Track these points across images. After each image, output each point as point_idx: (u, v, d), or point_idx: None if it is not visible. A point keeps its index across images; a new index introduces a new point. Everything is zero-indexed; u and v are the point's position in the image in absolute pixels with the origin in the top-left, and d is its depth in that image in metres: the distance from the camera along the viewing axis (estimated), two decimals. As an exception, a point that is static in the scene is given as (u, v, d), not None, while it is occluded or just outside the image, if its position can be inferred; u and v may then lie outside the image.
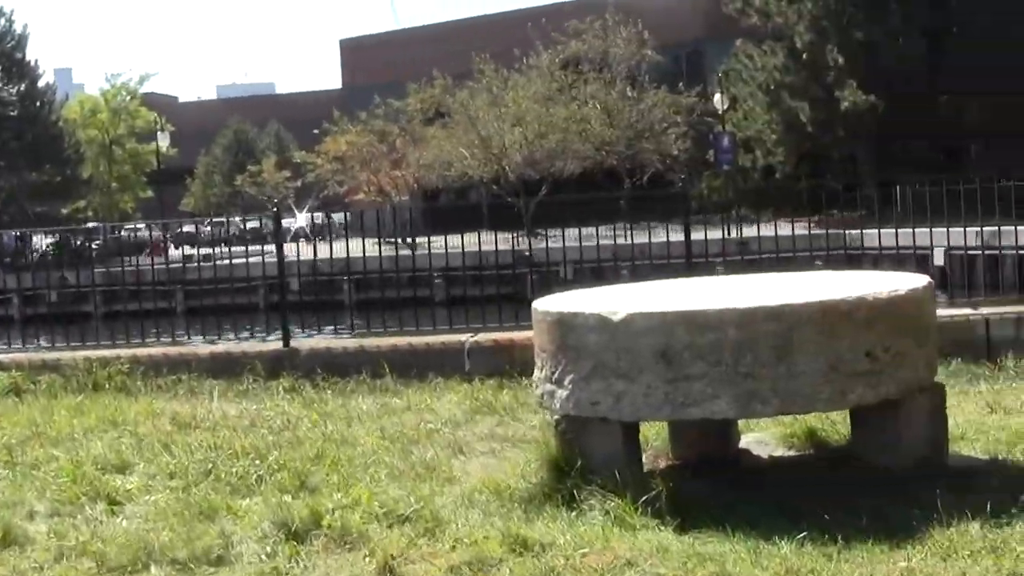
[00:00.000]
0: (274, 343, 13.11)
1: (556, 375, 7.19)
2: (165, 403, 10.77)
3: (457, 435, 8.92)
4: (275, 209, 13.56)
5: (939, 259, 25.79)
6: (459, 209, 50.71)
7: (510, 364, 11.88)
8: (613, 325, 6.85)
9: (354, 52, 75.26)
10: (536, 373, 7.54)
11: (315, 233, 36.17)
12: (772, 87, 49.36)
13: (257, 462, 7.88)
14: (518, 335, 12.34)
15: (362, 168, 56.22)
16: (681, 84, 59.70)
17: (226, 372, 12.09)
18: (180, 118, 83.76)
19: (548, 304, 7.50)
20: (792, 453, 7.78)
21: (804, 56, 47.99)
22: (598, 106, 56.21)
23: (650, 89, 57.65)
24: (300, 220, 46.45)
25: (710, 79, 60.27)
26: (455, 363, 12.06)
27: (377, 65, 69.38)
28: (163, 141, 63.90)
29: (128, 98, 78.15)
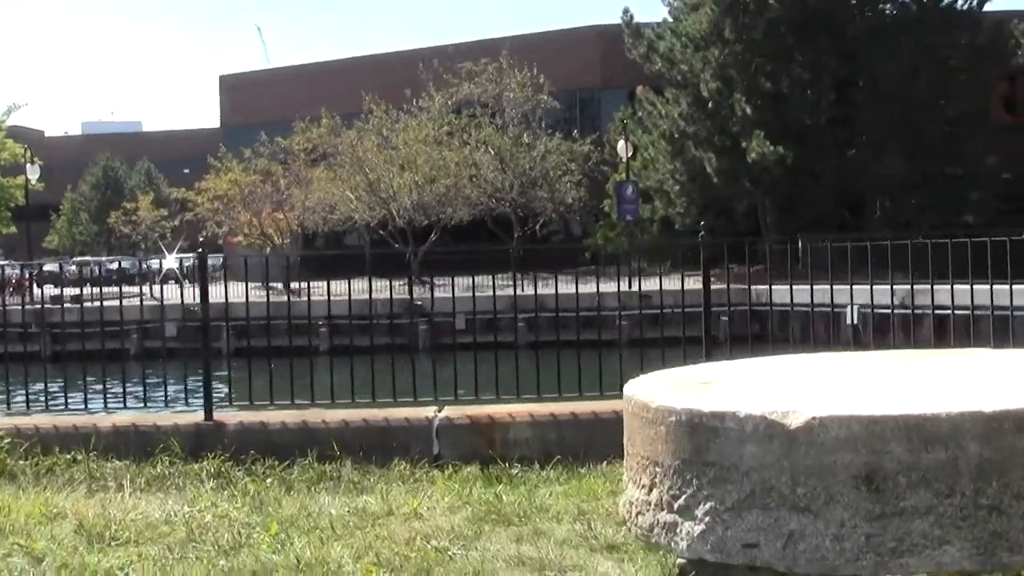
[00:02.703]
0: (192, 414, 10.56)
1: (682, 501, 4.87)
2: (64, 498, 8.18)
3: (473, 558, 6.53)
4: (200, 249, 11.04)
5: (851, 317, 24.45)
6: (342, 254, 48.44)
7: (489, 446, 9.67)
8: (788, 433, 4.56)
9: (234, 89, 72.14)
10: (633, 491, 5.22)
11: (186, 275, 33.84)
12: (676, 136, 47.65)
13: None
14: (496, 410, 10.09)
15: (244, 209, 53.43)
16: (576, 131, 58.06)
17: (135, 450, 9.56)
18: (46, 153, 79.92)
19: (661, 394, 5.19)
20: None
21: (710, 105, 46.40)
22: (491, 151, 54.34)
23: (544, 135, 55.85)
24: (170, 261, 43.86)
25: (605, 126, 58.66)
26: (421, 444, 9.71)
27: (260, 102, 66.50)
28: (32, 174, 60.11)
29: (-8, 130, 74.16)
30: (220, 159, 55.43)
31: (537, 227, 56.57)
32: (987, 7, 48.72)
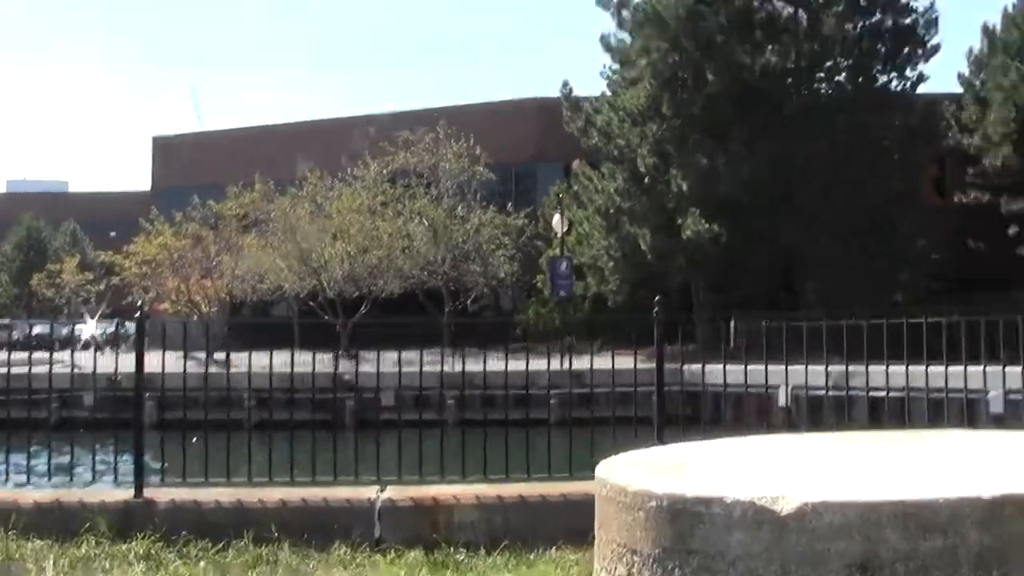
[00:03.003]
0: (120, 490, 10.05)
1: (662, 594, 4.57)
2: (-21, 584, 7.70)
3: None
4: (140, 313, 10.57)
5: (783, 399, 24.20)
6: (270, 325, 47.75)
7: (433, 529, 9.27)
8: (779, 520, 4.28)
9: (167, 151, 71.14)
10: (606, 585, 4.91)
11: (107, 342, 33.20)
12: (611, 211, 47.49)
13: None
14: (440, 491, 9.70)
15: (172, 275, 52.53)
16: (511, 204, 57.88)
17: (58, 529, 9.06)
18: (-35, 211, 78.90)
19: (638, 477, 4.89)
20: None
21: (646, 180, 46.33)
22: (425, 222, 53.92)
23: (479, 208, 55.60)
24: (90, 327, 42.98)
25: (540, 200, 58.49)
26: (362, 526, 9.29)
27: (193, 166, 65.66)
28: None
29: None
30: (152, 221, 54.50)
31: (468, 301, 56.10)
32: (920, 89, 49.18)
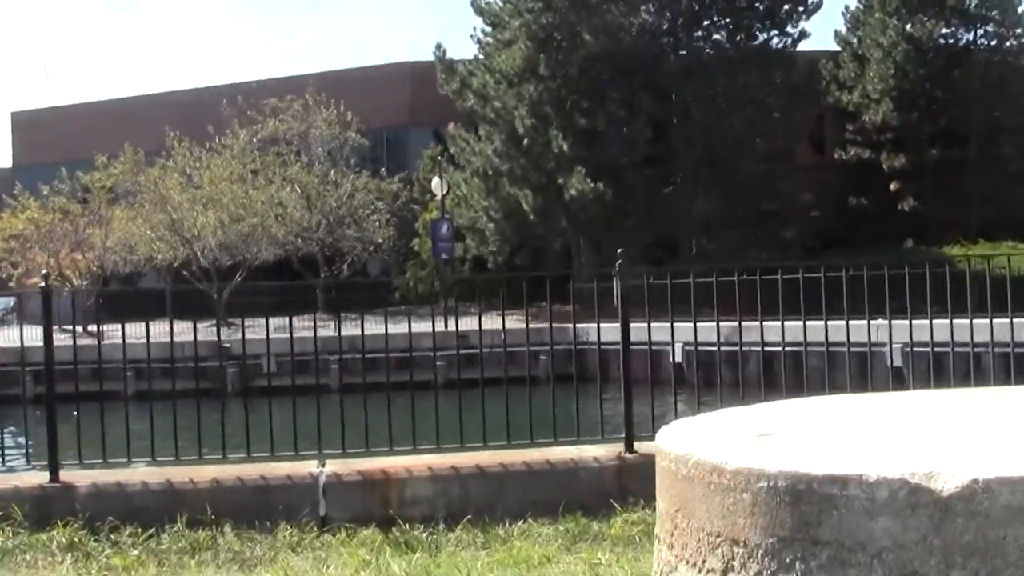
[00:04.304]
0: (33, 475, 9.01)
1: (781, 589, 3.75)
2: None
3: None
4: (44, 285, 9.50)
5: (677, 355, 23.89)
6: (143, 295, 46.21)
7: (385, 505, 8.42)
8: (939, 502, 3.47)
9: (28, 126, 68.56)
10: (692, 576, 4.09)
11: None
12: (490, 173, 46.72)
13: None
14: (388, 464, 8.86)
15: (41, 249, 50.65)
16: (383, 169, 56.89)
17: (-38, 521, 8.05)
18: None
19: (735, 453, 4.05)
20: None
21: (525, 142, 45.60)
22: (298, 189, 52.77)
23: (352, 173, 54.55)
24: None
25: (413, 164, 57.63)
26: (305, 504, 8.40)
27: (57, 140, 63.39)
28: None
29: None
30: (16, 197, 52.51)
31: (345, 267, 55.15)
32: (800, 46, 49.09)
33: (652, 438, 9.52)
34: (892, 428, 4.48)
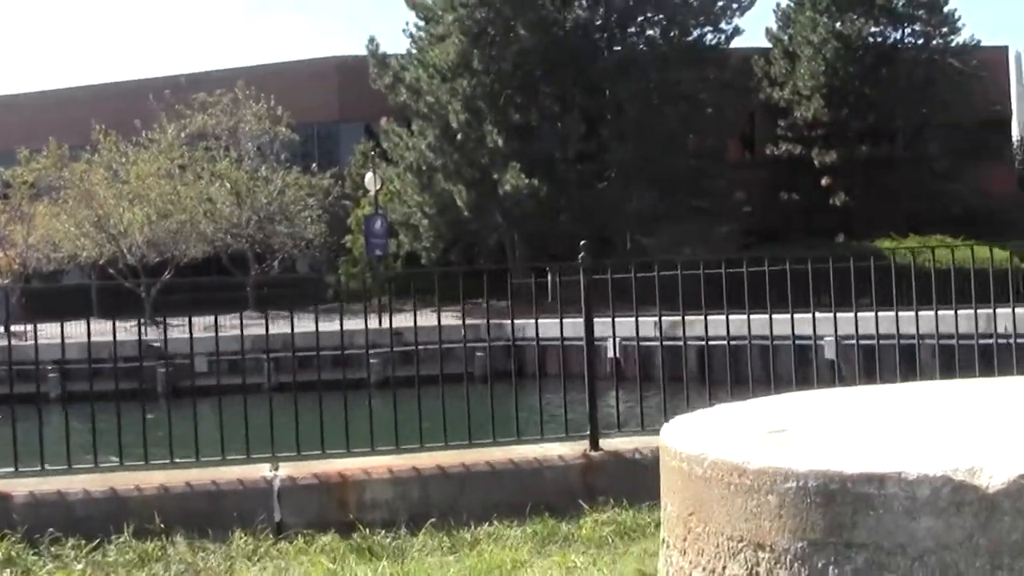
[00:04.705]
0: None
1: (815, 597, 3.44)
2: None
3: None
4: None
5: (613, 350, 23.73)
6: (67, 293, 45.31)
7: (342, 509, 8.03)
8: (985, 499, 3.22)
9: (-56, 119, 67.31)
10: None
11: None
12: (424, 168, 46.28)
13: None
14: (345, 466, 8.47)
15: (-39, 246, 49.60)
16: (314, 165, 56.26)
17: None
18: None
19: (757, 451, 3.72)
20: None
21: (458, 137, 45.23)
22: (227, 185, 51.99)
23: (282, 169, 53.87)
24: None
25: (345, 160, 57.09)
26: (260, 510, 7.99)
27: (-25, 133, 62.13)
28: None
29: None
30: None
31: (275, 263, 54.49)
32: (733, 43, 49.09)
33: (617, 435, 9.24)
34: (911, 422, 4.20)
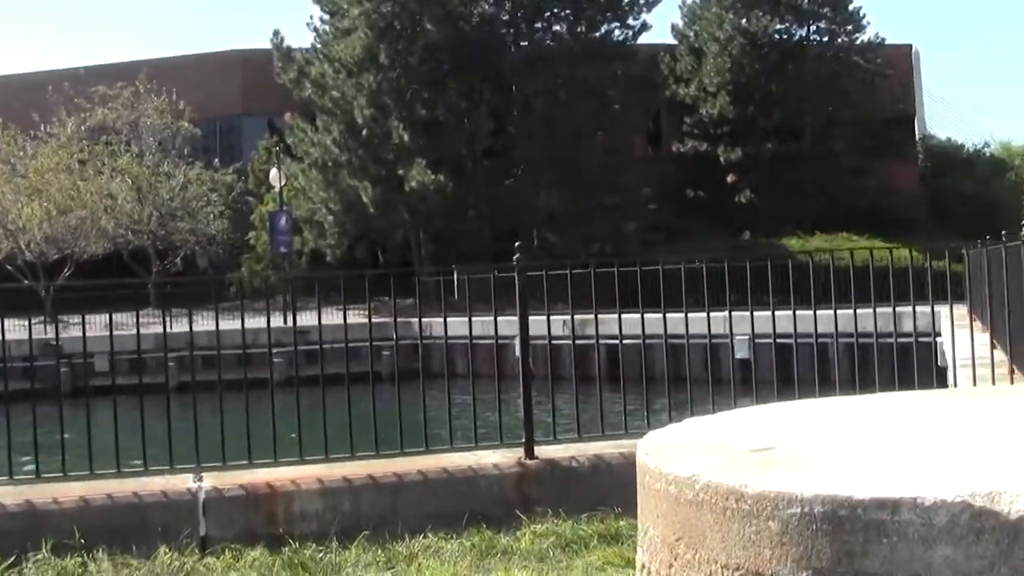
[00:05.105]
0: None
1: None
2: None
3: None
4: None
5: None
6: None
7: (271, 523, 7.73)
8: (1007, 527, 3.03)
9: None
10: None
11: None
12: (329, 164, 45.75)
13: None
14: (273, 476, 8.17)
15: None
16: (217, 160, 55.44)
17: None
18: None
19: (753, 474, 3.50)
20: None
21: (364, 133, 44.79)
22: (129, 180, 51.05)
23: (184, 164, 53.01)
24: None
25: (248, 155, 56.34)
26: (184, 523, 7.67)
27: None
28: None
29: None
30: None
31: (178, 260, 53.65)
32: (640, 39, 49.11)
33: (550, 442, 9.01)
34: (910, 438, 4.00)
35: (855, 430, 4.27)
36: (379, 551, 7.34)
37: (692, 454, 3.85)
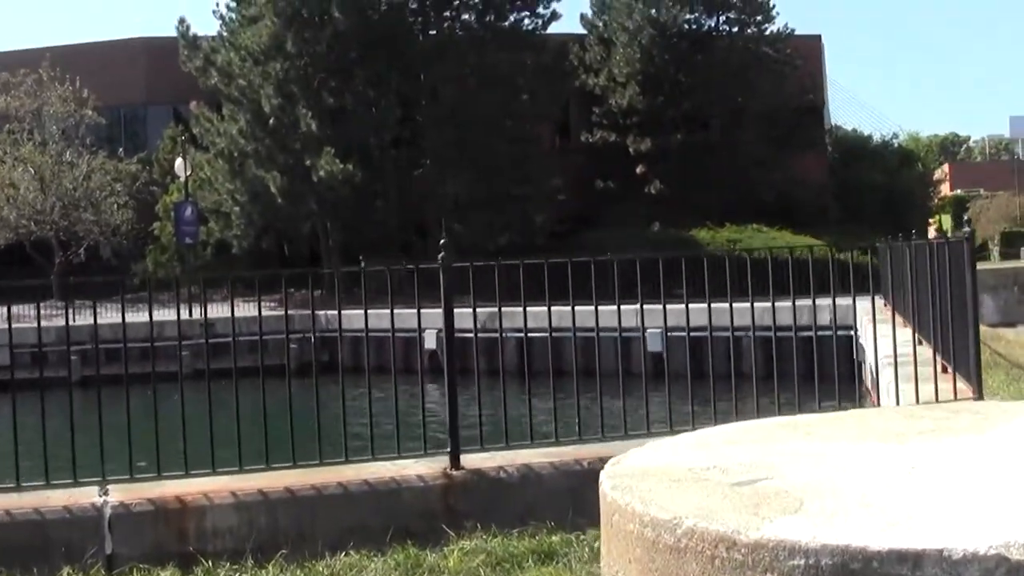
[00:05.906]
0: None
1: None
2: None
3: None
4: None
5: (430, 342, 23.50)
6: None
7: (182, 539, 7.31)
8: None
9: None
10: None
11: None
12: (235, 154, 45.01)
13: None
14: (184, 489, 7.75)
15: None
16: (122, 149, 54.36)
17: None
18: None
19: (744, 518, 3.17)
20: None
21: (271, 122, 44.13)
22: (31, 170, 49.94)
23: (88, 153, 51.90)
24: None
25: (153, 144, 55.32)
26: (89, 541, 7.23)
27: None
28: None
29: None
30: None
31: (81, 251, 52.55)
32: (550, 28, 48.85)
33: (476, 450, 8.64)
34: (914, 471, 3.69)
35: (840, 457, 3.96)
36: (298, 570, 6.96)
37: (668, 489, 3.53)
